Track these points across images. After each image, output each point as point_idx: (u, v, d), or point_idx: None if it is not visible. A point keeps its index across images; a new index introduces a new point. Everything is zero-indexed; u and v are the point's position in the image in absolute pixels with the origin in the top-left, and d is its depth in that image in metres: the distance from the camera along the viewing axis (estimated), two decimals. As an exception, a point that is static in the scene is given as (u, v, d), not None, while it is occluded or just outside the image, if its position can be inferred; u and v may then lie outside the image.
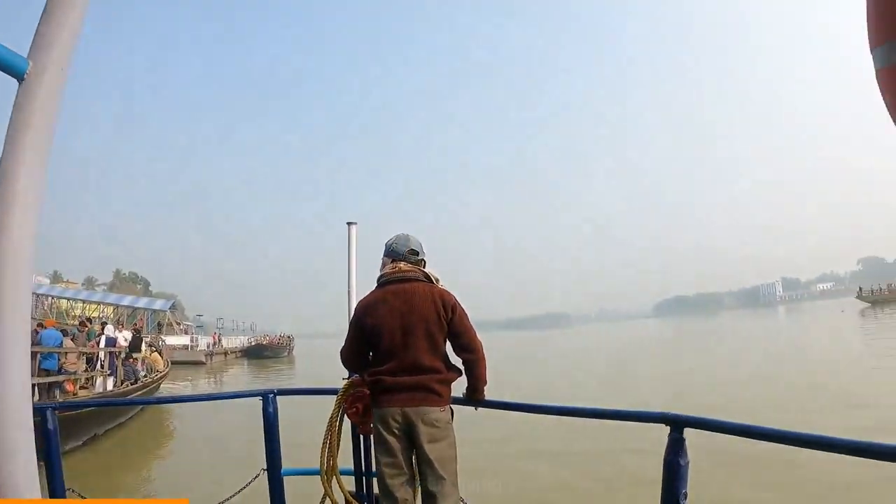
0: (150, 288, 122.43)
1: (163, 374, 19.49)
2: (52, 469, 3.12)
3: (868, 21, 1.53)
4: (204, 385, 31.37)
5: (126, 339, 17.84)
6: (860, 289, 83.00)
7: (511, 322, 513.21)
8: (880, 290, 76.47)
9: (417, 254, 3.12)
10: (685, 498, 2.21)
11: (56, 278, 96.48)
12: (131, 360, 16.74)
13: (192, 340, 48.94)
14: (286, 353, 58.26)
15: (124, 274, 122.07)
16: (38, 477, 1.26)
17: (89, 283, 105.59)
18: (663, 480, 2.25)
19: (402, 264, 3.06)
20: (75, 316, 54.93)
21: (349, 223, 3.96)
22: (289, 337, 68.80)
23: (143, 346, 20.34)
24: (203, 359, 45.01)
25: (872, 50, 1.53)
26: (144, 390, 15.96)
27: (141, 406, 15.93)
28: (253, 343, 61.17)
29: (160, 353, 23.44)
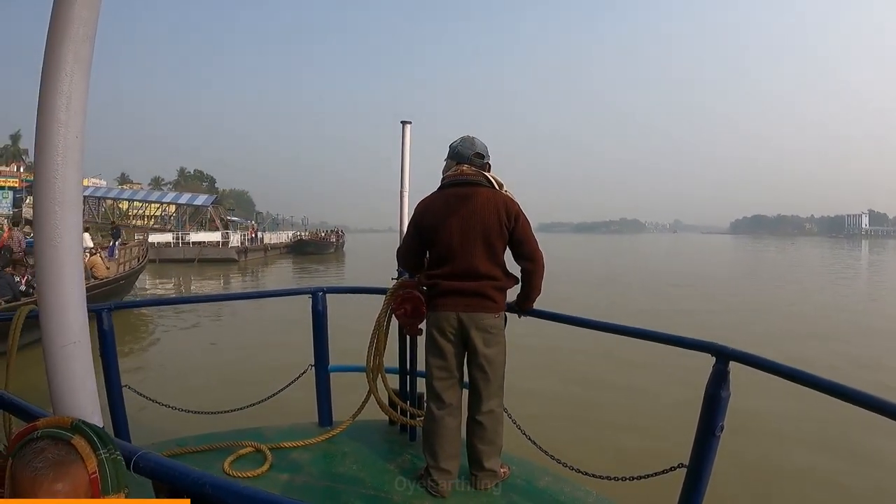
0: (217, 185, 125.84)
1: (103, 281, 16.07)
2: (109, 369, 3.33)
3: None
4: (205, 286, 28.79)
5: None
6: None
7: (583, 226, 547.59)
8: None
9: (483, 157, 3.11)
10: (721, 430, 2.30)
11: (123, 180, 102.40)
12: (8, 270, 13.38)
13: (223, 236, 46.20)
14: (332, 250, 56.19)
15: (189, 172, 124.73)
16: (96, 394, 1.42)
17: (156, 184, 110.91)
18: (702, 410, 2.34)
19: (465, 167, 3.07)
20: (136, 215, 57.52)
21: (403, 122, 3.93)
22: (337, 231, 67.34)
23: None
24: (235, 256, 42.80)
25: None
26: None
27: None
28: (296, 238, 59.11)
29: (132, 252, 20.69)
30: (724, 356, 2.32)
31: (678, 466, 2.47)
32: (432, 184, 3.20)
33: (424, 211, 3.09)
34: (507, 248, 3.04)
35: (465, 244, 2.93)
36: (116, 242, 24.98)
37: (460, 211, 2.96)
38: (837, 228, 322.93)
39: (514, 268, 3.09)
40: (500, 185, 3.07)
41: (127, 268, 18.80)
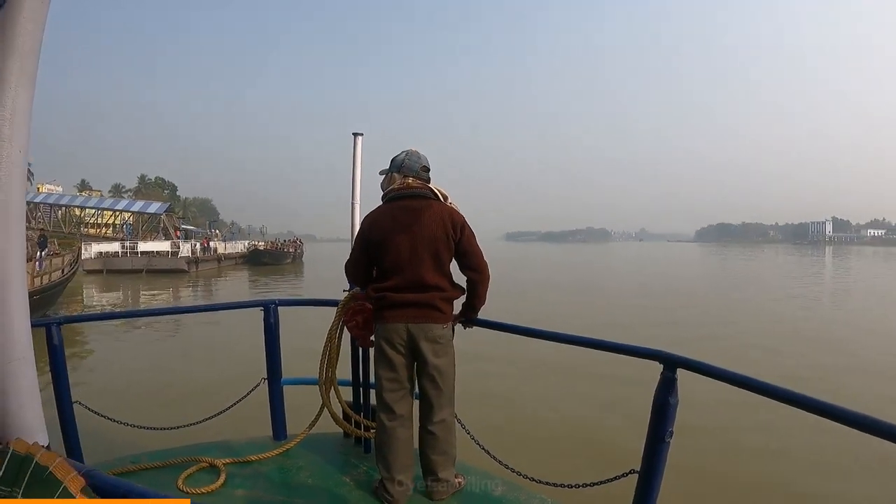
0: (178, 193, 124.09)
1: None
2: (59, 385, 3.33)
3: None
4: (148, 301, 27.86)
5: None
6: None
7: (550, 235, 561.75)
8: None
9: (429, 171, 3.20)
10: (671, 436, 2.37)
11: (83, 186, 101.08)
12: None
13: (173, 246, 45.84)
14: (289, 260, 55.88)
15: (150, 179, 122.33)
16: (42, 411, 1.42)
17: (116, 191, 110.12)
18: (651, 418, 2.41)
19: (411, 180, 3.14)
20: (93, 224, 56.39)
21: (355, 134, 3.97)
22: (296, 241, 66.62)
23: None
24: (184, 266, 42.26)
25: None
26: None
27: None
28: (251, 248, 58.41)
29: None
30: (671, 363, 2.40)
31: (630, 472, 2.53)
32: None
33: (372, 224, 3.15)
34: (454, 259, 3.12)
35: (414, 256, 3.01)
36: (42, 253, 23.67)
37: (408, 223, 3.03)
38: (801, 235, 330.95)
39: (459, 278, 3.18)
40: (445, 198, 3.17)
41: (45, 281, 18.12)
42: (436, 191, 3.15)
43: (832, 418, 1.81)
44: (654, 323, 17.07)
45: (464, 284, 3.19)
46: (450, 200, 3.19)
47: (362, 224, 3.24)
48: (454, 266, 3.15)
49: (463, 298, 3.22)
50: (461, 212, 3.18)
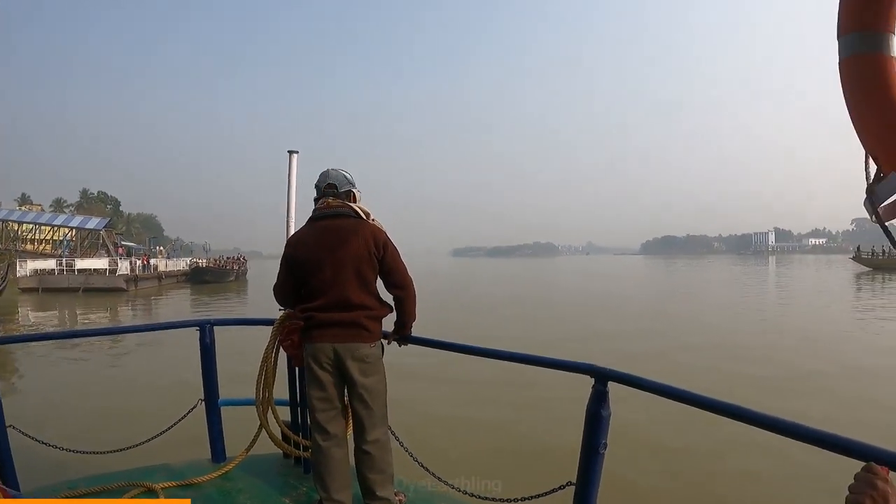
0: (122, 208, 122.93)
1: None
2: None
3: (839, 8, 1.61)
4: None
5: None
6: (858, 248, 68.28)
7: (497, 250, 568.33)
8: (882, 253, 59.10)
9: (336, 188, 3.21)
10: (604, 448, 2.42)
11: (24, 200, 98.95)
12: None
13: (110, 264, 44.25)
14: (233, 278, 55.09)
15: (92, 194, 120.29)
16: None
17: (58, 205, 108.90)
18: (584, 430, 2.45)
19: (331, 200, 3.18)
20: (34, 240, 55.01)
21: (290, 151, 3.98)
22: (239, 258, 65.77)
23: None
24: (123, 285, 41.13)
25: (839, 38, 1.60)
26: None
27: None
28: (192, 266, 56.50)
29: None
30: (602, 377, 2.45)
31: (567, 484, 2.56)
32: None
33: (296, 245, 3.19)
34: (379, 277, 3.17)
35: (337, 276, 3.04)
36: None
37: (330, 243, 3.07)
38: (745, 246, 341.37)
39: (388, 296, 3.21)
40: (367, 215, 3.21)
41: None
42: (357, 209, 3.19)
43: (757, 425, 1.88)
44: (601, 336, 17.25)
45: (391, 302, 3.22)
46: (372, 217, 3.22)
47: (287, 245, 3.28)
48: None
49: (392, 316, 3.25)
50: (384, 229, 3.23)
